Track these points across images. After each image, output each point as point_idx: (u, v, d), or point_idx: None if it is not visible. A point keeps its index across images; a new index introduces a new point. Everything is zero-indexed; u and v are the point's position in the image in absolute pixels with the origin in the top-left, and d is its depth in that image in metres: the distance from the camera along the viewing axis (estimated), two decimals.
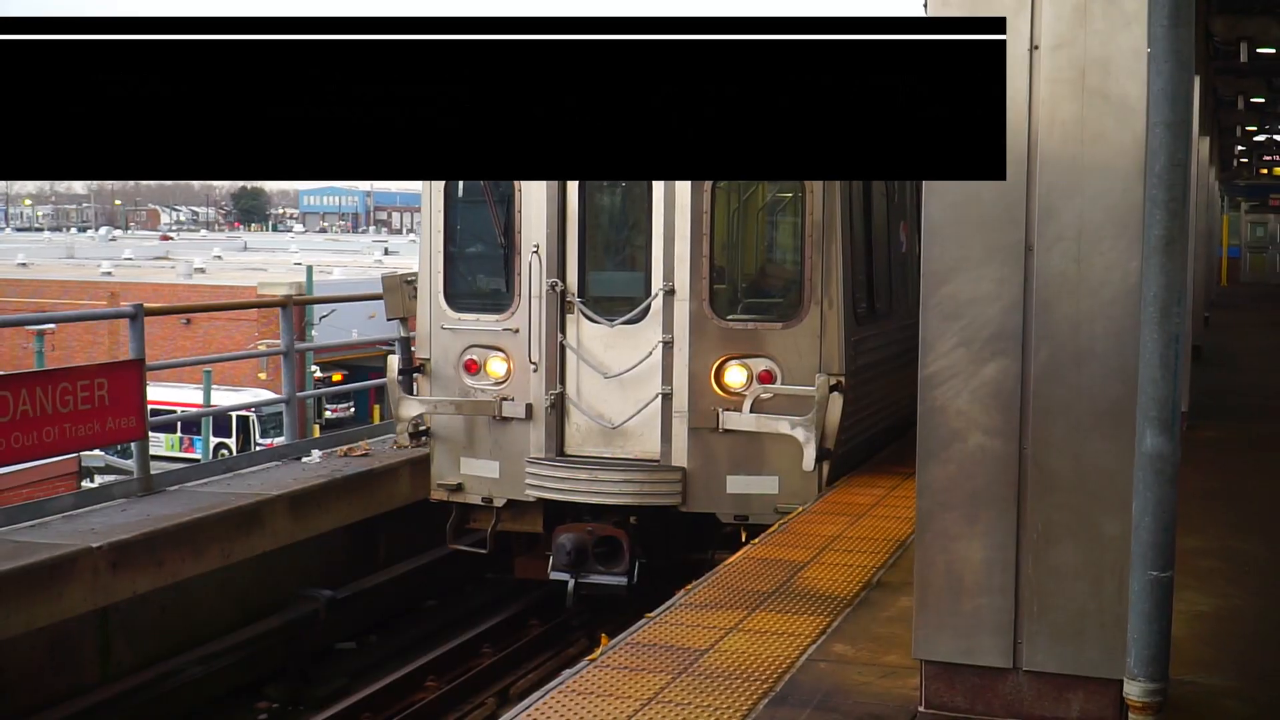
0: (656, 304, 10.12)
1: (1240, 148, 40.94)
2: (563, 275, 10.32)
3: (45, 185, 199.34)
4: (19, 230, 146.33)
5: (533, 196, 10.28)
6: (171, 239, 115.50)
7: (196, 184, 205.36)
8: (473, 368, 10.61)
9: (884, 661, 6.37)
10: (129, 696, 9.15)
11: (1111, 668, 5.40)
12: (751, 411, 9.68)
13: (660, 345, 10.07)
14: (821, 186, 9.80)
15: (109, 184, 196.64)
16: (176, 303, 39.31)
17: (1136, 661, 5.29)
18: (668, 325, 10.06)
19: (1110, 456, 5.35)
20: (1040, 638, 5.53)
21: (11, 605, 8.38)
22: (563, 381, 10.37)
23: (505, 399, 10.43)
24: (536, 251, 10.25)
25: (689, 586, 7.77)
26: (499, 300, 10.67)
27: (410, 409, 10.67)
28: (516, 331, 10.40)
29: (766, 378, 9.89)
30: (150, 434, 10.68)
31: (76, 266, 65.95)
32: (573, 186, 10.28)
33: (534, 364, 10.33)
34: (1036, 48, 5.39)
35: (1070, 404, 5.42)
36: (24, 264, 65.62)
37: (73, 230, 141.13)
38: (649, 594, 9.19)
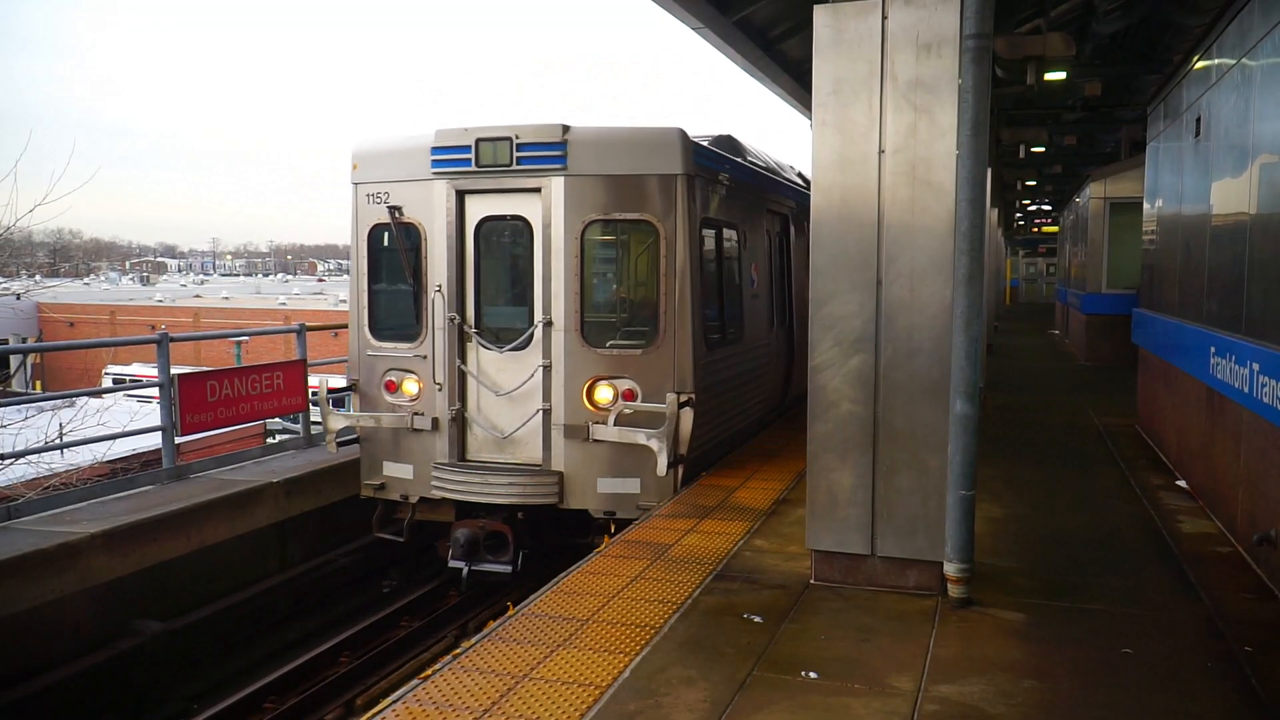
0: (538, 333, 8.22)
1: (1019, 215, 41.08)
2: (462, 310, 8.41)
3: (241, 244, 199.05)
4: (223, 276, 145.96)
5: (436, 243, 8.41)
6: (324, 281, 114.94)
7: (341, 244, 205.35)
8: (391, 387, 8.72)
9: (787, 550, 6.36)
10: (299, 578, 9.13)
11: (935, 554, 5.43)
12: (615, 425, 7.91)
13: (540, 368, 8.20)
14: (675, 235, 8.00)
15: (283, 243, 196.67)
16: (327, 322, 39.18)
17: (951, 549, 5.33)
18: (546, 351, 8.18)
19: (933, 416, 5.37)
20: (888, 534, 5.55)
21: (221, 520, 8.36)
22: (463, 399, 8.46)
23: (416, 414, 8.53)
24: (440, 290, 8.39)
25: (660, 503, 7.73)
26: (411, 331, 8.64)
27: (337, 422, 8.91)
28: (425, 358, 8.51)
29: (629, 395, 8.06)
30: (311, 406, 10.59)
31: (262, 299, 65.61)
32: (470, 235, 8.40)
33: (439, 384, 8.45)
34: (883, 152, 5.39)
35: (906, 383, 5.43)
36: (226, 298, 65.34)
37: (259, 275, 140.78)
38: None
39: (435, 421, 8.51)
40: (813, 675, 4.49)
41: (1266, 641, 4.86)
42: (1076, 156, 24.96)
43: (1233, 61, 6.84)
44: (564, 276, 8.13)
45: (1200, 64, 8.04)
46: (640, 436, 7.79)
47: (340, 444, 9.21)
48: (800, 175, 14.27)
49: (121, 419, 14.95)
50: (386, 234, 8.70)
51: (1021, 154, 19.07)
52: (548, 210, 8.12)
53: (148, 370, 31.44)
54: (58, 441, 12.05)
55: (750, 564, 6.12)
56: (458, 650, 4.87)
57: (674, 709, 4.18)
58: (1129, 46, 16.12)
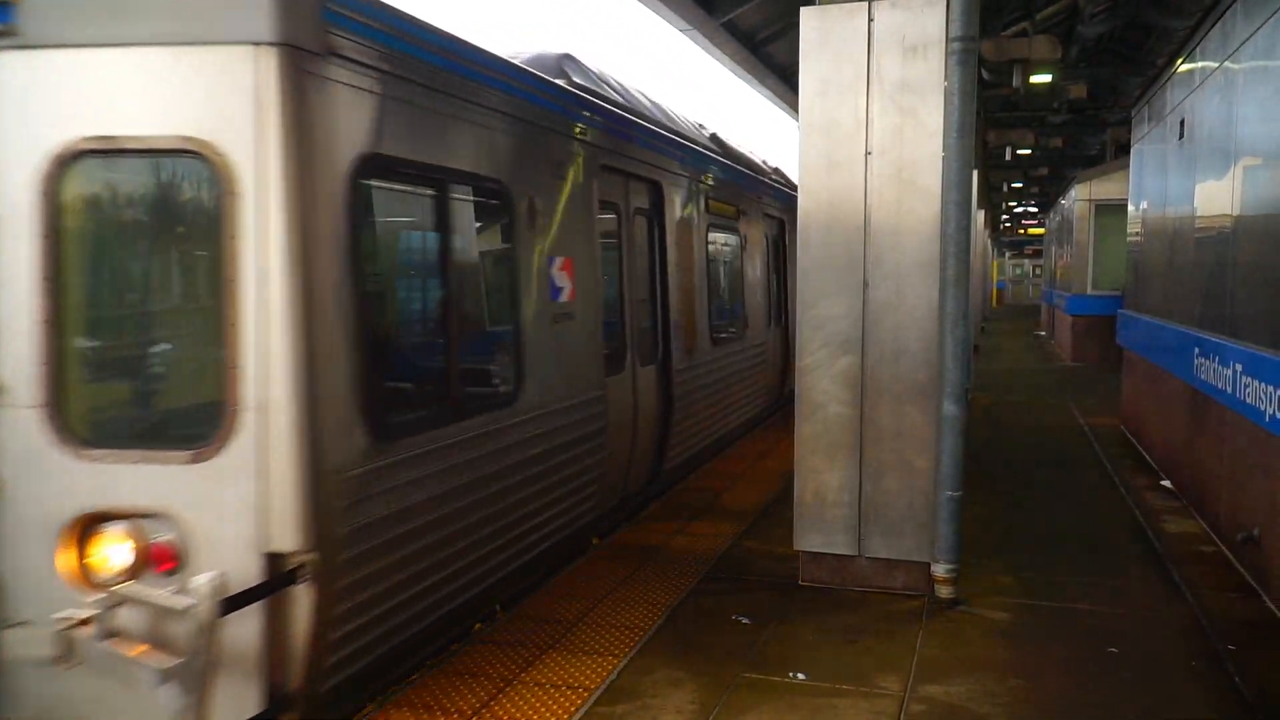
0: None
1: (1005, 217, 41.34)
2: None
3: None
4: None
5: None
6: None
7: None
8: None
9: (777, 551, 6.37)
10: None
11: (922, 554, 5.46)
12: (101, 636, 3.40)
13: None
14: (267, 185, 3.61)
15: None
16: None
17: (939, 550, 5.36)
18: None
19: (920, 418, 5.40)
20: (875, 535, 5.57)
21: None
22: None
23: None
24: None
25: (648, 509, 7.67)
26: None
27: None
28: None
29: (165, 558, 3.62)
30: None
31: None
32: None
33: None
34: (870, 154, 5.41)
35: (892, 384, 5.46)
36: None
37: None
38: None
39: None
40: (800, 676, 4.50)
41: (1250, 639, 4.91)
42: (1062, 159, 25.15)
43: (1215, 65, 6.90)
44: (17, 277, 3.73)
45: (1184, 67, 8.11)
46: (144, 673, 3.29)
47: None
48: (715, 139, 10.37)
49: None
50: None
51: (1008, 156, 19.24)
52: None
53: None
54: None
55: (741, 564, 6.13)
56: (444, 655, 4.86)
57: (662, 711, 4.18)
58: (1114, 49, 16.26)
